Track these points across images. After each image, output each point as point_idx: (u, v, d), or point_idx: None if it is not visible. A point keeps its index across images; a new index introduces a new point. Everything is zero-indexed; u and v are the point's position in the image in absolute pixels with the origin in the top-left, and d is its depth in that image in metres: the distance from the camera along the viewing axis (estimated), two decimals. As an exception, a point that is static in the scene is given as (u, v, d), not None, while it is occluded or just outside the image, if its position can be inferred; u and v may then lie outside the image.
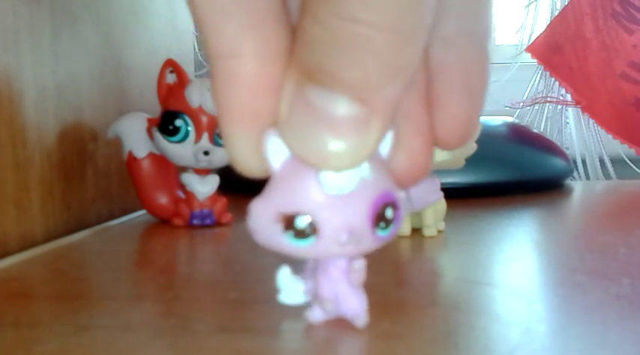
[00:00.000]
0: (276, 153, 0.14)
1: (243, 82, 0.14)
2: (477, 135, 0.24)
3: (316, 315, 0.17)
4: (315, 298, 0.17)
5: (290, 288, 0.18)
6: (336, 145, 0.13)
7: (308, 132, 0.13)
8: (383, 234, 0.15)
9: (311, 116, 0.13)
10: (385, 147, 0.15)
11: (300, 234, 0.14)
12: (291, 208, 0.14)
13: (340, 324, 0.17)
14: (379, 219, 0.15)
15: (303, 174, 0.14)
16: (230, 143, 0.15)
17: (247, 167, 0.15)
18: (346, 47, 0.12)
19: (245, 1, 0.14)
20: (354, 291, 0.16)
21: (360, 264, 0.16)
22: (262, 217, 0.15)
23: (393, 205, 0.15)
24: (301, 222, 0.14)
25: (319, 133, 0.13)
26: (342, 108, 0.13)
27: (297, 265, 0.18)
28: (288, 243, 0.15)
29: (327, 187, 0.14)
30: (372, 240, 0.15)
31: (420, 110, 0.16)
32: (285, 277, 0.18)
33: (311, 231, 0.14)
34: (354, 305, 0.16)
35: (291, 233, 0.14)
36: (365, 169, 0.14)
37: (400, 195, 0.16)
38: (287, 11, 0.14)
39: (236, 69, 0.14)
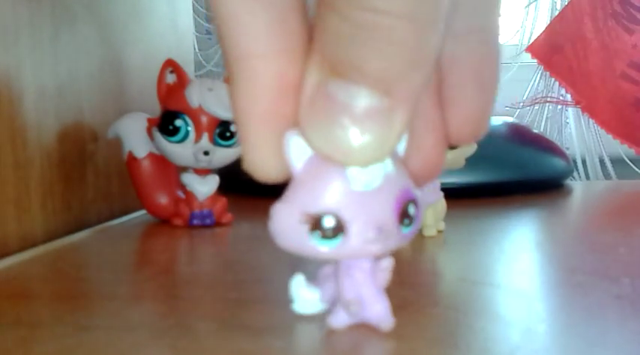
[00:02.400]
0: (298, 153, 0.14)
1: (267, 83, 0.14)
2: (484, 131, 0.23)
3: (339, 320, 0.16)
4: (337, 303, 0.16)
5: (305, 297, 0.17)
6: (360, 139, 0.13)
7: (330, 128, 0.13)
8: (406, 231, 0.15)
9: (333, 111, 0.13)
10: (401, 146, 0.15)
11: (328, 234, 0.14)
12: (317, 208, 0.14)
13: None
14: (403, 215, 0.15)
15: (328, 172, 0.14)
16: (250, 146, 0.15)
17: (266, 171, 0.15)
18: (367, 38, 0.12)
19: (266, 6, 0.13)
20: (378, 294, 0.16)
21: (389, 263, 0.16)
22: (286, 220, 0.14)
23: (415, 202, 0.15)
24: (328, 222, 0.14)
25: (342, 128, 0.13)
26: (365, 100, 0.13)
27: (308, 273, 0.17)
28: (314, 245, 0.14)
29: (353, 184, 0.14)
30: (398, 237, 0.15)
31: (432, 108, 0.16)
32: (299, 286, 0.17)
33: (338, 230, 0.14)
34: (379, 308, 0.16)
35: (317, 233, 0.14)
36: (388, 164, 0.14)
37: (418, 193, 0.15)
38: (306, 8, 0.14)
39: (259, 69, 0.14)
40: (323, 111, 0.13)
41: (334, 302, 0.17)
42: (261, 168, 0.15)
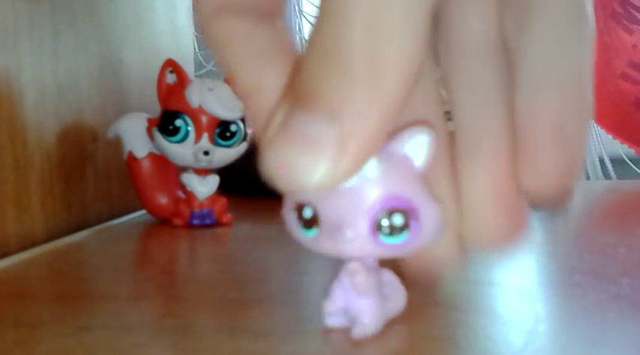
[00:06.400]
0: None
1: (264, 114, 0.15)
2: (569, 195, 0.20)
3: (331, 320, 0.17)
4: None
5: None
6: (307, 166, 0.13)
7: (282, 153, 0.13)
8: (389, 242, 0.15)
9: (287, 134, 0.13)
10: (419, 157, 0.15)
11: (307, 224, 0.15)
12: (301, 198, 0.15)
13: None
14: (377, 225, 0.14)
15: None
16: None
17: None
18: (324, 61, 0.13)
19: (258, 45, 0.15)
20: (360, 299, 0.16)
21: (354, 267, 0.16)
22: (286, 207, 0.15)
23: (406, 213, 0.15)
24: (306, 212, 0.15)
25: (290, 149, 0.13)
26: (315, 124, 0.13)
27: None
28: (300, 233, 0.15)
29: None
30: (373, 243, 0.15)
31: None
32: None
33: (314, 222, 0.15)
34: (355, 312, 0.16)
35: (300, 222, 0.15)
36: (369, 168, 0.14)
37: (428, 208, 0.15)
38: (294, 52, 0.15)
39: (260, 103, 0.15)
40: (279, 136, 0.13)
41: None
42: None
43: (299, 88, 0.13)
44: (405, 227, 0.15)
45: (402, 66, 0.12)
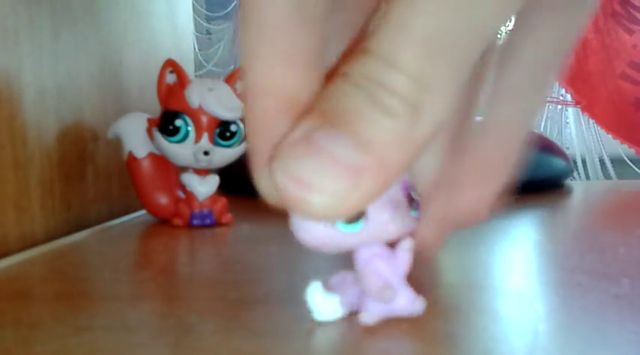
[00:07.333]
0: None
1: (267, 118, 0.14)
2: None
3: (371, 315, 0.16)
4: (363, 300, 0.17)
5: (324, 304, 0.17)
6: (317, 178, 0.13)
7: (297, 162, 0.13)
8: (414, 215, 0.16)
9: (308, 148, 0.13)
10: None
11: (351, 218, 0.15)
12: None
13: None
14: (410, 199, 0.16)
15: None
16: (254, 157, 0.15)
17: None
18: (365, 90, 0.13)
19: (289, 48, 0.14)
20: (400, 282, 0.16)
21: (409, 243, 0.16)
22: None
23: (414, 189, 0.16)
24: None
25: (307, 162, 0.13)
26: (342, 151, 0.13)
27: (311, 277, 0.17)
28: (340, 230, 0.15)
29: None
30: (410, 219, 0.16)
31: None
32: (316, 293, 0.17)
33: (360, 213, 0.15)
34: (405, 295, 0.16)
35: (341, 219, 0.15)
36: None
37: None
38: (319, 54, 0.15)
39: (265, 106, 0.14)
40: (297, 149, 0.13)
41: (360, 302, 0.17)
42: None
43: (331, 108, 0.13)
44: (417, 201, 0.16)
45: (437, 118, 0.13)
